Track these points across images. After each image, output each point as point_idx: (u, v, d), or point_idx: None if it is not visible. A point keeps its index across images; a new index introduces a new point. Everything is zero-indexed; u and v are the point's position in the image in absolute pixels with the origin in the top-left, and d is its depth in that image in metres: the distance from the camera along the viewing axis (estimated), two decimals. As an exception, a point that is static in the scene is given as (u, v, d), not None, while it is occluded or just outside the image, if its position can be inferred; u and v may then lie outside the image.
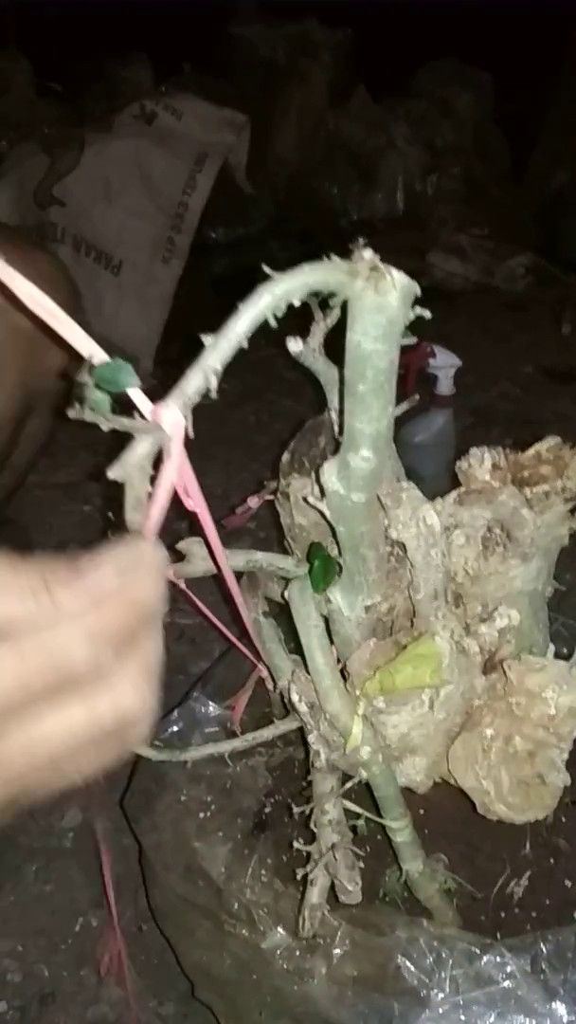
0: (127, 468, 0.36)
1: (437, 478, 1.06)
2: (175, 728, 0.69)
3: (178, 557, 0.60)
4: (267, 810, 0.65)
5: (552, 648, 0.57)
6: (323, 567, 0.49)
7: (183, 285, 1.65)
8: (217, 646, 1.06)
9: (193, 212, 1.63)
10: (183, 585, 0.59)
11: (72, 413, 0.37)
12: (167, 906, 0.66)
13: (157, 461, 0.38)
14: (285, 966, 0.58)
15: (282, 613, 0.59)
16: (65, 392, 0.89)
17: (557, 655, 0.56)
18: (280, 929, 0.59)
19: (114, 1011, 0.77)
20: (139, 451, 0.36)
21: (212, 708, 0.71)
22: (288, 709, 0.56)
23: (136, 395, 0.36)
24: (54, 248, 1.56)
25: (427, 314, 0.40)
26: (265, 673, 0.63)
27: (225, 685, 0.73)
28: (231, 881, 0.61)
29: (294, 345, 0.57)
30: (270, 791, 0.66)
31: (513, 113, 2.21)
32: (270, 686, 0.63)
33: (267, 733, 0.54)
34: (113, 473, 0.36)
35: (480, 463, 0.59)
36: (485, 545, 0.54)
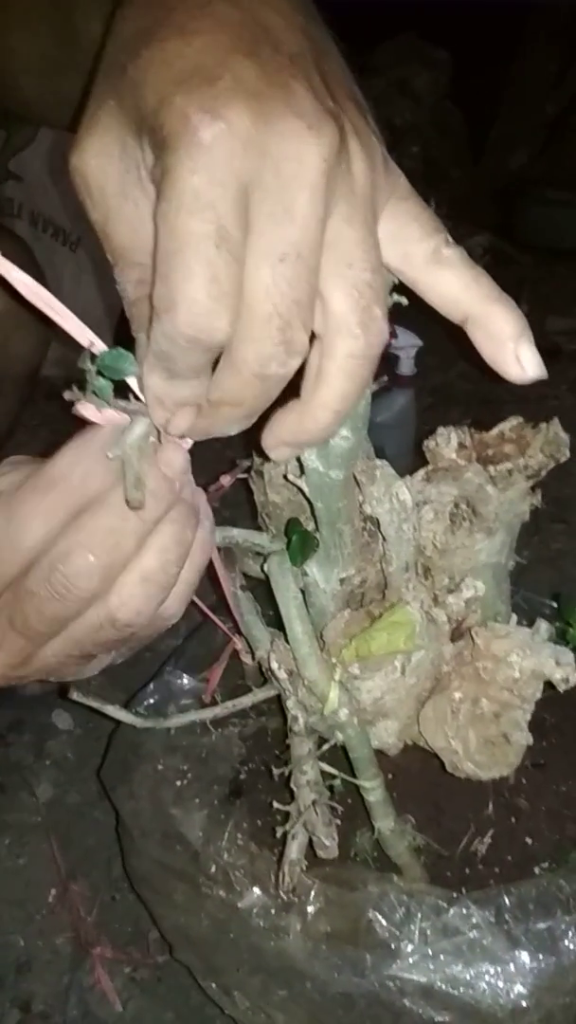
0: (125, 448, 0.37)
1: (399, 456, 1.08)
2: (151, 701, 0.71)
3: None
4: (242, 777, 0.68)
5: (514, 618, 0.60)
6: (301, 542, 0.51)
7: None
8: (184, 624, 1.08)
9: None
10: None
11: (72, 397, 0.39)
12: (145, 871, 0.68)
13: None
14: (261, 924, 0.60)
15: (258, 587, 0.61)
16: (31, 377, 0.89)
17: (519, 625, 0.59)
18: (256, 889, 0.61)
19: (89, 977, 0.79)
20: (137, 431, 0.38)
21: (186, 681, 0.73)
22: (265, 678, 0.58)
23: (132, 380, 0.37)
24: (11, 223, 1.54)
25: (404, 301, 0.42)
26: (240, 645, 0.65)
27: (197, 659, 0.75)
28: (208, 845, 0.63)
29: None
30: (244, 759, 0.69)
31: (471, 92, 2.23)
32: (245, 658, 0.65)
33: (246, 700, 0.56)
34: (111, 453, 0.38)
35: (447, 442, 0.62)
36: (452, 520, 0.57)
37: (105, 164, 0.34)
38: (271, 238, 0.32)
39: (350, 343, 0.35)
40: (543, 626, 0.52)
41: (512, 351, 0.37)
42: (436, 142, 2.20)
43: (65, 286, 1.57)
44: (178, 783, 0.67)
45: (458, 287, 0.38)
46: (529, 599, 0.76)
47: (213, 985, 0.66)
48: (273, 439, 0.39)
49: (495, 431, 0.63)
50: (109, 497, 0.38)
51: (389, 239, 0.37)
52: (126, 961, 0.79)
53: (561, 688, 0.50)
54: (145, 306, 0.35)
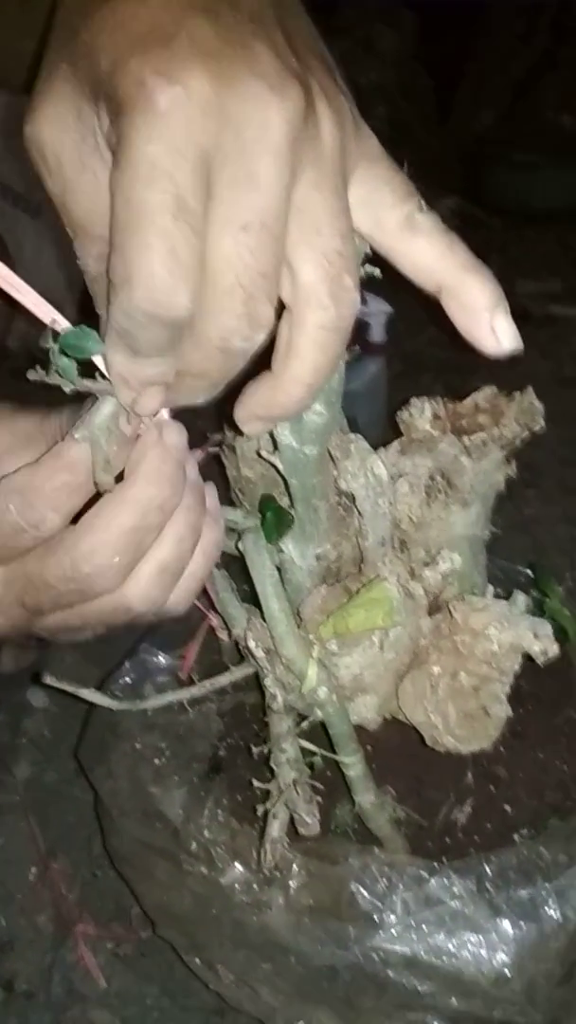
0: (92, 429, 0.36)
1: (370, 425, 1.07)
2: (127, 680, 0.71)
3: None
4: (221, 754, 0.67)
5: (491, 589, 0.60)
6: (275, 519, 0.50)
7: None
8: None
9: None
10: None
11: (35, 376, 0.38)
12: (125, 850, 0.68)
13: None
14: (244, 899, 0.61)
15: (231, 563, 0.60)
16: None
17: (496, 596, 0.59)
18: (238, 865, 0.61)
19: (72, 955, 0.79)
20: (104, 412, 0.37)
21: (162, 658, 0.72)
22: (242, 655, 0.57)
23: (98, 358, 0.36)
24: (-30, 191, 1.50)
25: (377, 272, 0.41)
26: (216, 622, 0.64)
27: (172, 636, 0.75)
28: (188, 823, 0.63)
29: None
30: (222, 735, 0.68)
31: (437, 53, 2.20)
32: (221, 634, 0.65)
33: (223, 679, 0.56)
34: (78, 434, 0.37)
35: (421, 413, 0.61)
36: (428, 493, 0.56)
37: (60, 132, 0.32)
38: (233, 206, 0.30)
39: (320, 314, 0.34)
40: (520, 598, 0.52)
41: (487, 322, 0.36)
42: (402, 103, 2.17)
43: (26, 255, 1.53)
44: (156, 761, 0.66)
45: (432, 256, 0.37)
46: (505, 568, 0.76)
47: (197, 960, 0.66)
48: (245, 413, 0.38)
49: (469, 401, 0.62)
50: (129, 492, 0.37)
51: (360, 204, 0.36)
52: (109, 937, 0.79)
53: (540, 660, 0.49)
54: (106, 282, 0.34)
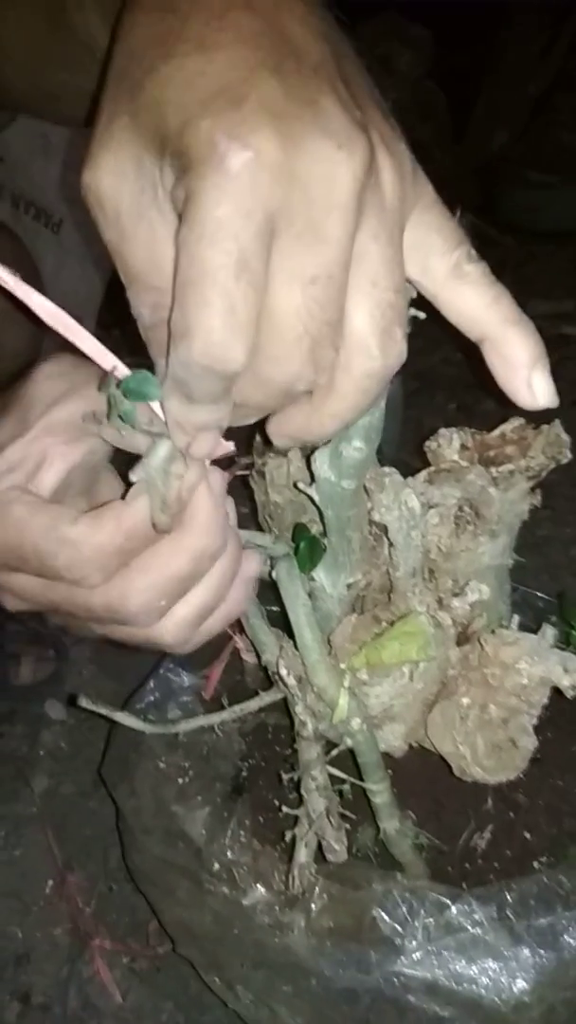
0: (149, 471, 0.37)
1: (386, 444, 1.09)
2: (151, 699, 0.71)
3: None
4: (243, 774, 0.68)
5: (516, 619, 0.61)
6: (308, 548, 0.51)
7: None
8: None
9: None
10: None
11: (93, 422, 0.39)
12: (147, 867, 0.68)
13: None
14: (265, 920, 0.61)
15: (258, 586, 0.61)
16: (22, 372, 0.87)
17: (521, 624, 0.59)
18: (260, 886, 0.62)
19: (88, 968, 0.79)
20: (160, 454, 0.37)
21: (185, 678, 0.73)
22: (269, 680, 0.58)
23: (155, 403, 0.37)
24: (-8, 205, 1.51)
25: (421, 315, 0.42)
26: (241, 644, 0.65)
27: (195, 655, 0.75)
28: (211, 843, 0.64)
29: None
30: (245, 755, 0.69)
31: (452, 71, 2.21)
32: (247, 656, 0.66)
33: (253, 705, 0.56)
34: (135, 476, 0.38)
35: (449, 443, 0.62)
36: (457, 524, 0.57)
37: (120, 183, 0.33)
38: (301, 261, 0.31)
39: (368, 363, 0.35)
40: (549, 631, 0.53)
41: (525, 378, 0.37)
42: (418, 121, 2.18)
43: (47, 270, 1.54)
44: (180, 780, 0.67)
45: (478, 306, 0.37)
46: (528, 595, 0.77)
47: (216, 979, 0.67)
48: (278, 431, 0.39)
49: (496, 432, 0.63)
50: (186, 541, 0.39)
51: (410, 248, 0.36)
52: (125, 952, 0.80)
53: (569, 695, 0.50)
54: (162, 331, 0.35)
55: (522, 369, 0.37)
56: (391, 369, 0.36)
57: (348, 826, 0.55)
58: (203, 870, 0.64)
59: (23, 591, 0.41)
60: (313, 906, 0.60)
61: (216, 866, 0.63)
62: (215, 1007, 0.74)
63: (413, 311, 0.41)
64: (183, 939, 0.68)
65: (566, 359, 1.57)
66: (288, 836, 0.59)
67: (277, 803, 0.65)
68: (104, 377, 0.39)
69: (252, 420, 0.38)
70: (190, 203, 0.30)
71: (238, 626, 0.64)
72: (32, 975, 0.79)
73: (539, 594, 0.80)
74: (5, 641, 1.01)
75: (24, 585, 0.41)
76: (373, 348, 0.35)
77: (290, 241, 0.31)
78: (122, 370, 0.38)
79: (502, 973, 0.57)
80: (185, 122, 0.30)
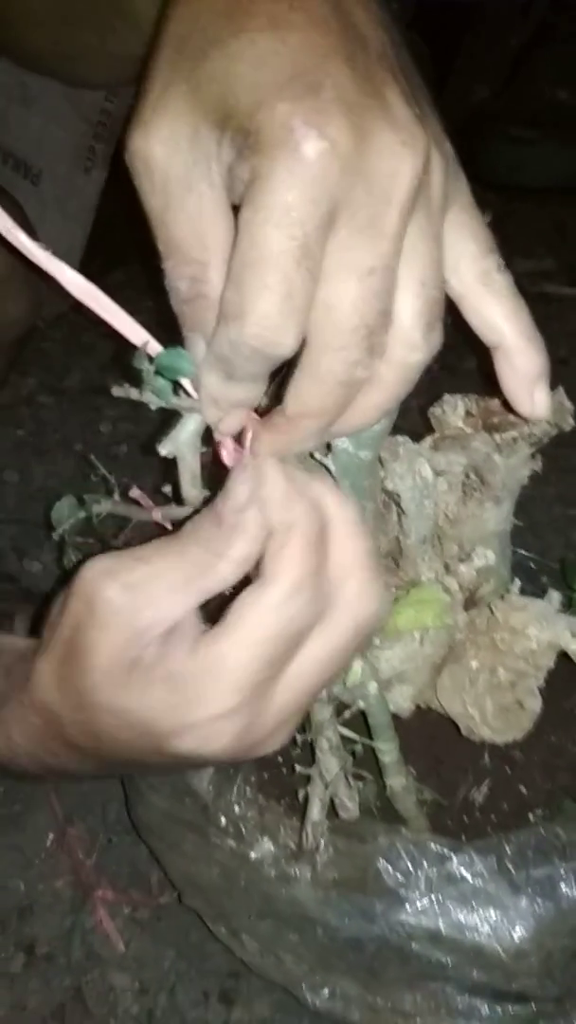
0: (178, 445, 0.38)
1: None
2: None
3: (166, 500, 0.61)
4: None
5: (517, 581, 0.62)
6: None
7: (106, 197, 1.60)
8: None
9: (116, 120, 1.56)
10: (169, 527, 0.62)
11: (120, 393, 0.39)
12: (153, 822, 0.70)
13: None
14: (272, 873, 0.63)
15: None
16: (22, 339, 0.87)
17: (523, 588, 0.61)
18: (266, 839, 0.64)
19: (90, 919, 0.81)
20: (189, 428, 0.38)
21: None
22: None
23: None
24: (-30, 155, 1.48)
25: None
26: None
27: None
28: (218, 798, 0.65)
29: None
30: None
31: (434, 23, 2.18)
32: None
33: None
34: (164, 450, 0.38)
35: (454, 410, 0.63)
36: (464, 491, 0.58)
37: (173, 151, 0.33)
38: (360, 253, 0.32)
39: (413, 355, 0.36)
40: (555, 596, 0.54)
41: (530, 390, 0.41)
42: (400, 72, 2.15)
43: (29, 222, 1.52)
44: (186, 740, 0.68)
45: (499, 315, 0.39)
46: (517, 557, 0.79)
47: (223, 929, 0.69)
48: None
49: (500, 399, 0.64)
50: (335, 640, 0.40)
51: (445, 247, 0.37)
52: (126, 902, 0.82)
53: (576, 659, 0.52)
54: (199, 306, 0.35)
55: (529, 382, 0.40)
56: (428, 361, 0.38)
57: (361, 784, 0.57)
58: (210, 824, 0.65)
59: None
60: (319, 859, 0.62)
61: (223, 821, 0.65)
62: (217, 954, 0.77)
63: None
64: (189, 891, 0.70)
65: (548, 318, 1.57)
66: (295, 793, 0.61)
67: (281, 760, 0.66)
68: (136, 351, 0.39)
69: (312, 441, 0.39)
70: (258, 184, 0.30)
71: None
72: (36, 927, 0.81)
73: (525, 553, 0.82)
74: (-3, 600, 1.01)
75: None
76: (419, 341, 0.36)
77: (351, 233, 0.32)
78: (156, 346, 0.38)
79: (502, 922, 0.59)
80: (259, 102, 0.31)
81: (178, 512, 0.58)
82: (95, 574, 0.37)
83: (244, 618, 0.37)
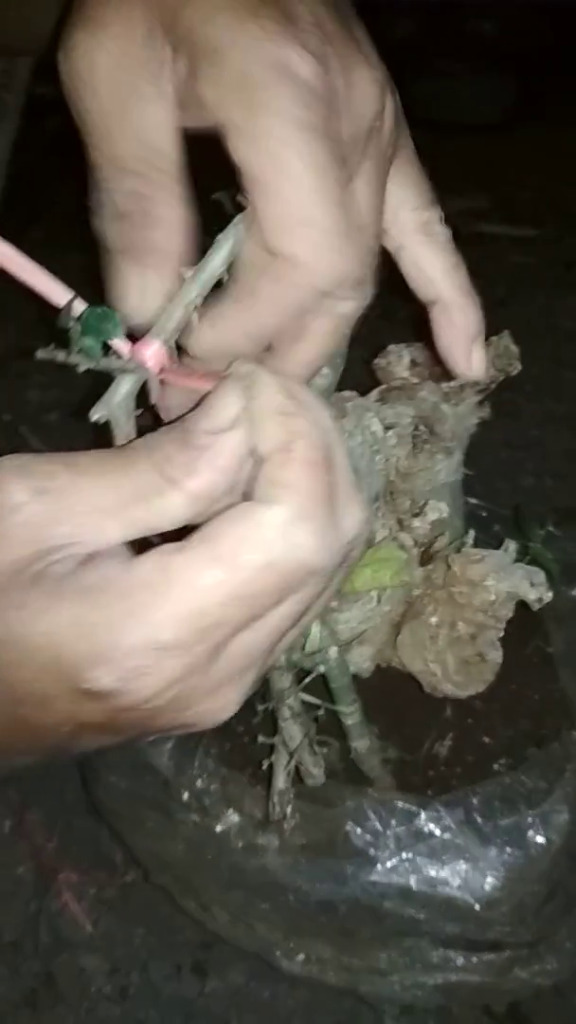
0: (111, 408, 0.35)
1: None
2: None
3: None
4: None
5: (472, 533, 0.61)
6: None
7: (17, 150, 1.53)
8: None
9: (22, 67, 1.49)
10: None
11: (44, 355, 0.36)
12: (114, 802, 0.68)
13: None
14: (240, 844, 0.62)
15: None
16: None
17: (477, 539, 0.60)
18: (231, 811, 0.63)
19: (55, 903, 0.80)
20: (122, 390, 0.35)
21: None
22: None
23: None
24: None
25: None
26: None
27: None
28: (180, 774, 0.64)
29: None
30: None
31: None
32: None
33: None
34: (96, 414, 0.35)
35: (399, 360, 0.61)
36: (414, 443, 0.56)
37: (123, 52, 0.30)
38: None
39: (341, 305, 0.34)
40: (511, 546, 0.53)
41: (467, 348, 0.40)
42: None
43: None
44: (142, 716, 0.66)
45: (438, 268, 0.38)
46: (469, 507, 0.78)
47: (192, 904, 0.68)
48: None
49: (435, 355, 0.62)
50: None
51: (387, 196, 0.37)
52: (91, 883, 0.81)
53: (535, 607, 0.51)
54: (136, 223, 0.33)
55: (466, 339, 0.39)
56: (358, 312, 0.36)
57: (326, 749, 0.56)
58: (173, 800, 0.64)
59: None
60: (287, 826, 0.61)
61: (186, 796, 0.64)
62: (187, 927, 0.76)
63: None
64: (156, 868, 0.69)
65: (485, 258, 1.55)
66: (259, 763, 0.59)
67: (243, 730, 0.65)
68: (61, 311, 0.36)
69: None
70: (260, 107, 0.29)
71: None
72: (0, 915, 0.79)
73: (476, 502, 0.81)
74: None
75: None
76: (349, 291, 0.34)
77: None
78: (80, 304, 0.35)
79: (472, 873, 0.59)
80: (235, 24, 0.29)
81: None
82: (5, 470, 0.28)
83: (231, 536, 0.27)
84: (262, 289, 0.32)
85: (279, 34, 0.29)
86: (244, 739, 0.65)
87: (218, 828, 0.62)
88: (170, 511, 0.28)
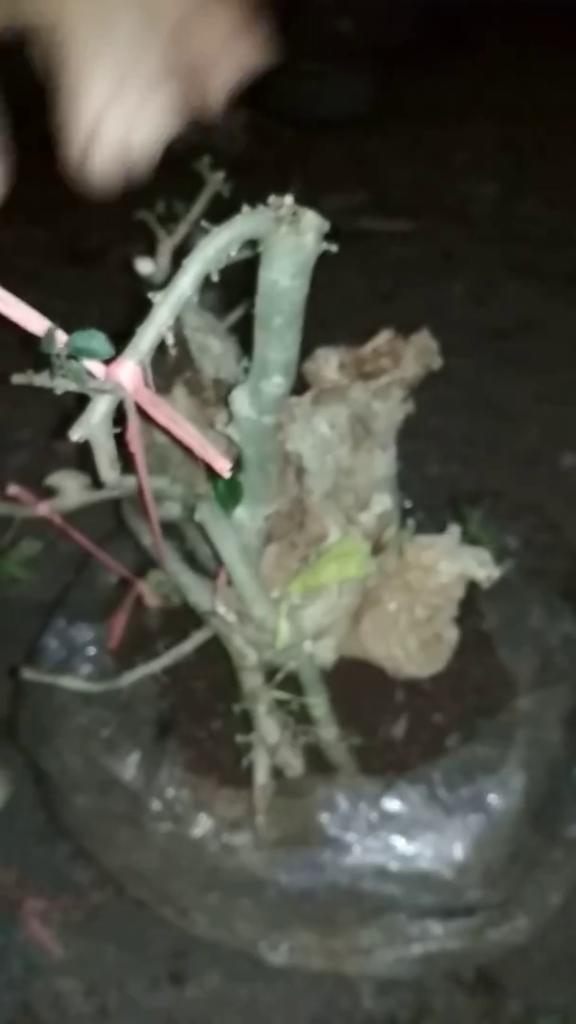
0: (91, 428, 0.36)
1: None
2: (57, 658, 0.70)
3: (49, 494, 0.59)
4: (167, 713, 0.68)
5: (411, 522, 0.64)
6: (227, 489, 0.51)
7: None
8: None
9: None
10: (58, 520, 0.59)
11: (21, 380, 0.36)
12: (81, 823, 0.68)
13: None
14: (214, 847, 0.63)
15: (167, 534, 0.60)
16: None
17: (420, 527, 0.63)
18: (203, 815, 0.64)
19: (22, 932, 0.78)
20: (100, 410, 0.36)
21: (86, 630, 0.71)
22: (172, 621, 0.58)
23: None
24: None
25: (334, 248, 0.42)
26: (145, 588, 0.65)
27: (87, 605, 0.74)
28: (148, 785, 0.64)
29: (145, 267, 0.57)
30: (163, 694, 0.69)
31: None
32: (151, 600, 0.65)
33: (188, 646, 0.57)
34: (76, 434, 0.36)
35: (327, 362, 0.63)
36: (356, 442, 0.59)
37: None
38: None
39: None
40: (455, 530, 0.56)
41: None
42: None
43: None
44: (104, 732, 0.67)
45: None
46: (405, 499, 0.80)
47: (170, 911, 0.68)
48: None
49: (369, 346, 0.65)
50: None
51: None
52: (57, 908, 0.80)
53: (485, 585, 0.54)
54: None
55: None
56: None
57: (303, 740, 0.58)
58: (143, 812, 0.64)
59: None
60: (259, 822, 0.63)
61: (156, 806, 0.64)
62: (159, 938, 0.76)
63: (325, 244, 0.42)
64: (131, 882, 0.69)
65: (368, 253, 1.59)
66: (225, 765, 0.61)
67: (206, 735, 0.66)
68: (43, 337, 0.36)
69: None
70: None
71: (139, 573, 0.64)
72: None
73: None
74: None
75: None
76: None
77: None
78: (61, 332, 0.36)
79: (442, 844, 0.62)
80: None
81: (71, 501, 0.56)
82: None
83: None
84: None
85: None
86: (208, 745, 0.66)
87: (192, 833, 0.63)
88: None
